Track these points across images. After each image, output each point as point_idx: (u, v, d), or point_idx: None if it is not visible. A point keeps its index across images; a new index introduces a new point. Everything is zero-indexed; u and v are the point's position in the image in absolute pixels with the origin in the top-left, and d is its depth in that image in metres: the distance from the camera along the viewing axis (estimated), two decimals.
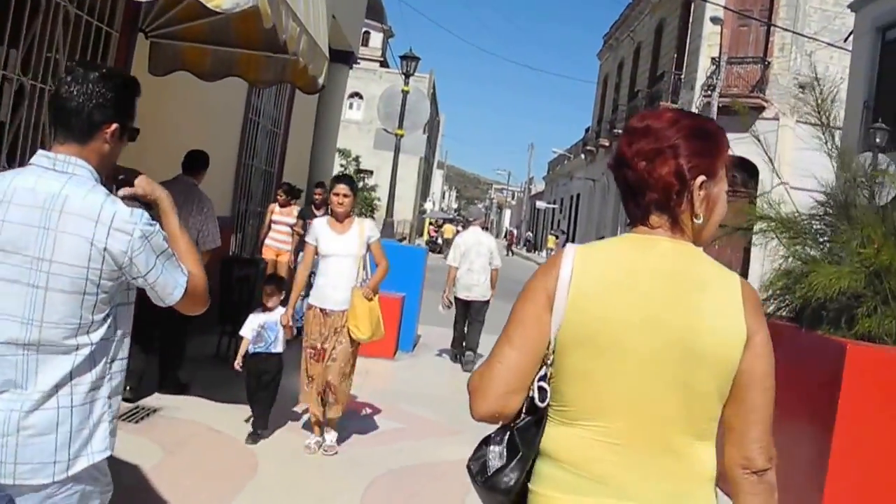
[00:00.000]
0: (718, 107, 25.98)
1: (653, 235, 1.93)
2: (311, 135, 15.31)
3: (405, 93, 10.98)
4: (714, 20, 25.79)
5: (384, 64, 61.74)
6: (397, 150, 10.98)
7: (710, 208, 1.95)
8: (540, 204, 64.68)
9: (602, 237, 29.54)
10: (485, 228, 10.94)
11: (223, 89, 8.75)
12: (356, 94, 56.79)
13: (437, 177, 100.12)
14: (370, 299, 6.29)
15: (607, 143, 41.81)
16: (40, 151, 2.35)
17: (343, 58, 18.79)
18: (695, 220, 1.92)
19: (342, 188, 6.33)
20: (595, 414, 1.85)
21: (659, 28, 35.82)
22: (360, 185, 43.56)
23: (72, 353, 2.28)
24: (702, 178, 1.91)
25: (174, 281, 2.38)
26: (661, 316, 1.82)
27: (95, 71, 2.37)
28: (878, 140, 11.04)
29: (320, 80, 6.85)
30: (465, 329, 10.99)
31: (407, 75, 11.17)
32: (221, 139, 10.16)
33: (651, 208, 1.92)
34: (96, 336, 2.32)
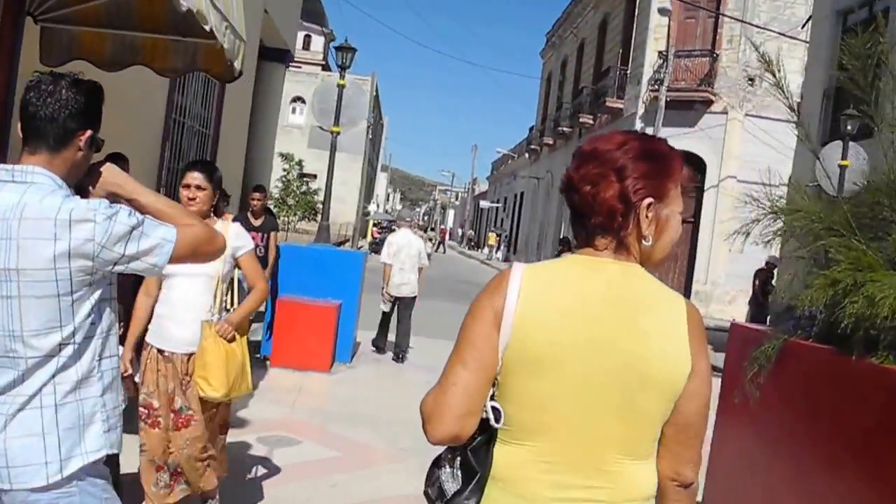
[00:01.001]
0: (666, 101, 25.58)
1: (600, 258, 1.91)
2: (245, 137, 14.33)
3: (341, 87, 10.03)
4: (662, 11, 25.22)
5: (326, 67, 61.13)
6: (333, 149, 10.04)
7: (659, 230, 1.91)
8: (483, 203, 65.32)
9: (545, 234, 28.46)
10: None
11: (141, 85, 7.80)
12: (298, 99, 56.28)
13: (382, 179, 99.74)
14: (229, 339, 4.32)
15: (551, 142, 41.69)
16: None
17: (279, 56, 17.87)
18: (643, 243, 1.89)
19: (195, 177, 4.38)
20: (534, 434, 1.86)
21: (603, 23, 35.49)
22: (304, 188, 42.65)
23: (55, 356, 2.29)
24: (649, 200, 1.87)
25: (158, 238, 2.32)
26: (607, 339, 1.82)
27: (63, 79, 2.35)
28: (848, 128, 10.32)
29: (237, 65, 5.88)
30: (395, 324, 11.35)
31: (342, 68, 10.15)
32: (141, 140, 9.15)
33: (596, 231, 1.91)
34: (80, 335, 2.31)
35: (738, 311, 25.28)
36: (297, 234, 40.42)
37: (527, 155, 49.90)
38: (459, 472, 1.94)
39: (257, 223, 9.57)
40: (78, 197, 2.32)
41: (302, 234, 40.08)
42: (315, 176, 54.32)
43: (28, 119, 2.32)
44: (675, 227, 1.95)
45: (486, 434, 1.91)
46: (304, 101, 56.40)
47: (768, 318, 16.86)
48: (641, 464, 1.89)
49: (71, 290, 2.26)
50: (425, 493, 2.02)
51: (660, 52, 27.35)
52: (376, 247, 44.86)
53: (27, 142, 2.34)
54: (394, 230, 13.83)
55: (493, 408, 1.89)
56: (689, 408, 1.88)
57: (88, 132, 2.38)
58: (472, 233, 70.24)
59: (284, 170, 42.47)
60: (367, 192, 64.01)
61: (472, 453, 1.92)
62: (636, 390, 1.82)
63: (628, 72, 30.12)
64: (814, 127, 15.81)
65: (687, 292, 26.12)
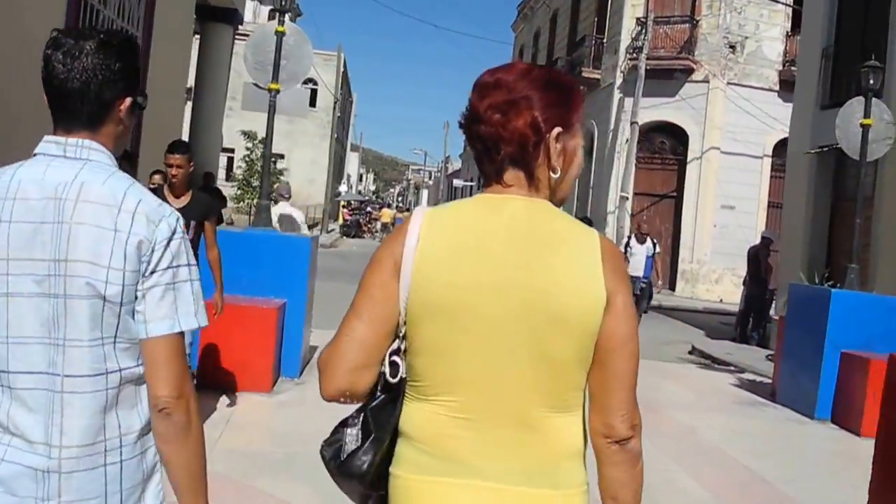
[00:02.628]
0: (646, 69, 24.34)
1: (505, 195, 1.83)
2: (181, 103, 12.92)
3: (279, 35, 8.59)
4: None
5: None
6: (272, 110, 8.62)
7: (567, 162, 1.87)
8: (457, 182, 64.70)
9: None
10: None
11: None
12: None
13: (354, 160, 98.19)
14: None
15: None
16: (47, 137, 1.96)
17: (225, 16, 16.54)
18: (552, 175, 1.83)
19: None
20: (447, 388, 1.77)
21: None
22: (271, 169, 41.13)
23: (102, 387, 1.86)
24: (558, 129, 1.82)
25: (170, 308, 1.87)
26: (513, 279, 1.73)
27: (91, 38, 1.92)
28: (871, 82, 8.96)
29: None
30: None
31: (281, 11, 8.60)
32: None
33: (506, 163, 1.83)
34: (129, 360, 1.88)
35: (725, 291, 24.26)
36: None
37: None
38: (360, 434, 1.84)
39: (178, 203, 6.38)
40: (144, 188, 1.98)
41: None
42: (283, 156, 53.13)
43: (54, 92, 1.93)
44: (579, 159, 1.91)
45: (391, 394, 1.82)
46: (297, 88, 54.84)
47: (773, 298, 15.80)
48: (567, 415, 1.78)
49: (121, 296, 1.85)
50: (321, 453, 1.89)
51: (638, 19, 26.13)
52: (347, 229, 43.82)
53: (58, 120, 1.97)
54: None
55: (392, 362, 1.80)
56: (606, 345, 1.75)
57: (128, 100, 2.01)
58: None
59: (248, 149, 41.04)
60: (338, 172, 62.70)
61: (371, 413, 1.83)
62: (546, 331, 1.72)
63: (604, 41, 28.90)
64: (811, 90, 14.53)
65: (673, 271, 25.06)
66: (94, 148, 1.96)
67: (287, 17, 9.27)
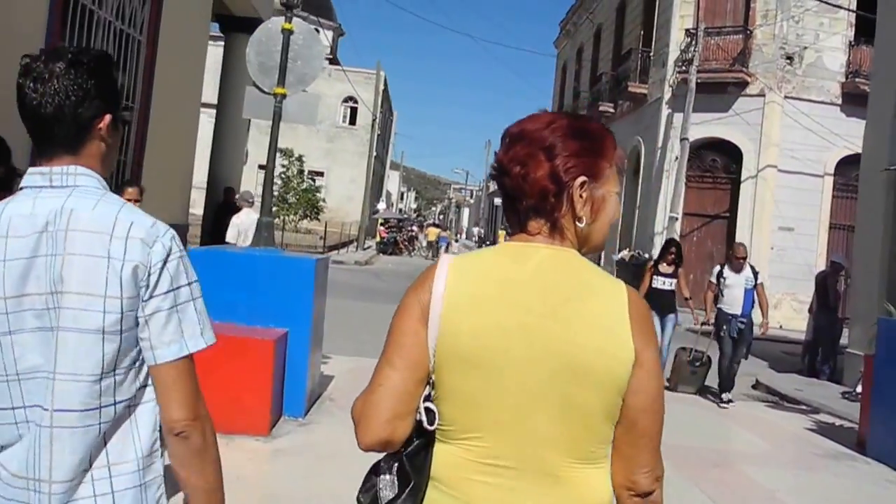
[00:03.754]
0: (697, 83, 23.04)
1: (531, 243, 1.84)
2: (195, 118, 11.88)
3: (287, 33, 7.46)
4: None
5: (334, 61, 59.24)
6: (276, 118, 7.52)
7: (595, 210, 1.84)
8: (497, 201, 63.15)
9: None
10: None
11: None
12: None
13: (395, 178, 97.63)
14: None
15: None
16: (31, 169, 1.93)
17: (250, 26, 15.43)
18: (577, 224, 1.83)
19: None
20: (473, 432, 1.75)
21: (621, 5, 32.99)
22: (305, 186, 40.43)
23: (95, 422, 1.81)
24: (582, 178, 1.81)
25: (175, 332, 1.85)
26: (538, 328, 1.73)
27: (60, 59, 1.88)
28: None
29: None
30: None
31: (289, 7, 7.46)
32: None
33: (529, 214, 1.84)
34: (125, 392, 1.85)
35: (784, 317, 22.77)
36: (299, 233, 38.17)
37: None
38: (397, 479, 1.82)
39: None
40: (136, 208, 1.90)
41: (305, 235, 37.80)
42: (322, 173, 52.55)
43: (30, 120, 1.88)
44: (612, 208, 1.87)
45: (425, 438, 1.81)
46: (304, 92, 54.43)
47: (842, 327, 14.40)
48: (593, 468, 1.77)
49: (120, 327, 1.80)
50: (357, 499, 1.88)
51: (687, 31, 24.87)
52: (384, 247, 42.84)
53: (39, 147, 1.92)
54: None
55: (427, 409, 1.79)
56: (636, 404, 1.74)
57: (108, 117, 1.93)
58: (480, 230, 70.00)
59: (283, 166, 40.31)
60: (377, 190, 62.00)
61: (408, 459, 1.80)
62: (572, 384, 1.70)
63: (651, 54, 27.68)
64: (887, 101, 13.13)
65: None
66: (81, 173, 1.90)
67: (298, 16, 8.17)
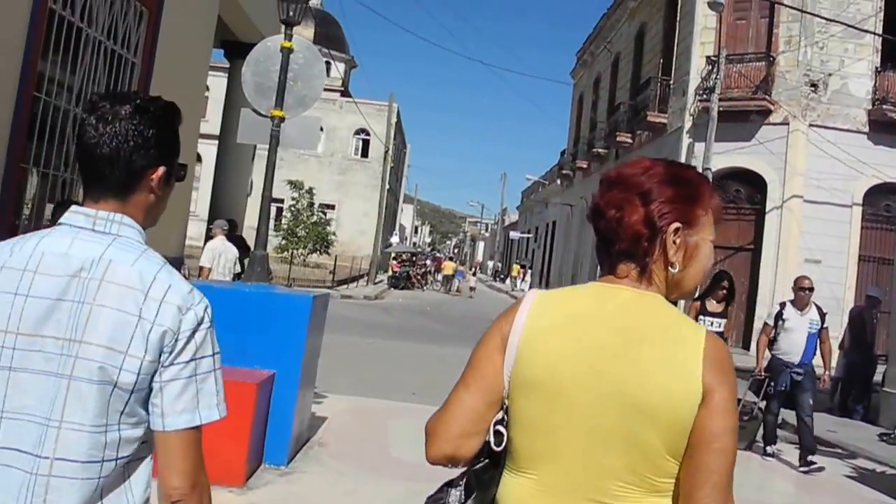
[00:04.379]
0: (719, 111, 22.25)
1: (617, 285, 1.87)
2: (191, 143, 11.21)
3: (286, 51, 6.78)
4: (713, 5, 21.78)
5: (346, 94, 59.03)
6: (274, 142, 6.82)
7: (688, 257, 1.88)
8: (513, 234, 63.47)
9: (580, 265, 25.40)
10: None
11: None
12: None
13: (408, 211, 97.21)
14: None
15: (585, 165, 39.02)
16: (74, 207, 1.91)
17: None
18: (669, 270, 1.86)
19: None
20: (537, 462, 1.82)
21: (640, 34, 32.44)
22: (315, 219, 39.82)
23: (95, 475, 1.78)
24: (676, 224, 1.84)
25: (191, 401, 1.81)
26: (608, 366, 1.77)
27: (126, 103, 1.90)
28: None
29: None
30: None
31: (289, 24, 6.78)
32: None
33: (620, 257, 1.87)
34: (127, 448, 1.81)
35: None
36: (308, 268, 37.51)
37: (558, 181, 47.62)
38: (462, 494, 1.91)
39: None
40: (175, 271, 1.90)
41: (314, 269, 37.14)
42: (333, 206, 52.00)
43: (85, 158, 1.89)
44: (705, 255, 1.91)
45: (493, 460, 1.88)
46: (321, 129, 54.13)
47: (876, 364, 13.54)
48: (656, 498, 1.76)
49: (133, 386, 1.77)
50: None
51: (708, 58, 24.09)
52: (395, 281, 42.08)
53: (88, 187, 1.92)
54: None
55: (496, 431, 1.85)
56: (698, 441, 1.73)
57: (161, 169, 1.93)
58: (500, 265, 68.30)
59: (293, 199, 39.76)
60: (390, 223, 61.43)
61: (474, 474, 1.89)
62: (637, 422, 1.73)
63: (671, 82, 26.92)
64: None
65: (748, 331, 22.65)
66: (126, 223, 1.89)
67: (296, 31, 7.44)
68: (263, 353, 6.62)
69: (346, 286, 34.64)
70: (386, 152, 41.34)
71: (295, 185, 39.95)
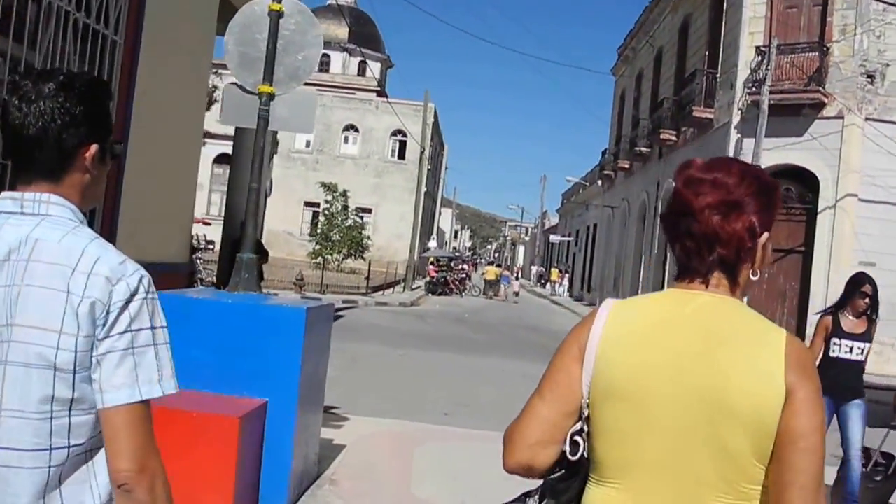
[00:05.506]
0: (769, 105, 21.03)
1: (693, 290, 1.89)
2: (197, 143, 10.26)
3: (275, 15, 5.76)
4: None
5: (382, 94, 58.34)
6: (262, 123, 5.83)
7: (765, 264, 1.94)
8: (553, 238, 62.11)
9: (623, 269, 24.13)
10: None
11: None
12: (351, 127, 53.82)
13: (447, 215, 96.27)
14: None
15: (627, 165, 37.71)
16: (3, 193, 1.88)
17: None
18: (751, 277, 1.91)
19: None
20: (624, 471, 1.83)
21: (684, 26, 31.21)
22: (350, 221, 38.97)
23: (44, 464, 1.72)
24: (767, 234, 1.90)
25: (128, 375, 1.74)
26: (690, 374, 1.78)
27: (50, 80, 1.84)
28: None
29: None
30: None
31: None
32: None
33: (716, 265, 1.88)
34: (81, 436, 1.76)
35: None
36: (343, 273, 36.61)
37: (599, 182, 46.35)
38: (537, 502, 1.93)
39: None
40: (109, 244, 1.83)
41: (348, 275, 36.24)
42: (370, 210, 51.21)
43: (11, 140, 1.84)
44: (769, 259, 1.96)
45: (571, 470, 1.90)
46: (357, 130, 53.53)
47: None
48: None
49: (74, 366, 1.72)
50: None
51: (757, 49, 22.79)
52: (433, 287, 40.98)
53: (17, 171, 1.88)
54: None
55: (573, 441, 1.87)
56: (784, 440, 1.72)
57: (94, 147, 1.88)
58: (543, 269, 67.20)
59: (327, 202, 38.96)
60: (428, 227, 60.50)
61: (550, 482, 1.91)
62: (721, 426, 1.73)
63: (718, 75, 25.69)
64: None
65: (800, 336, 21.28)
66: (54, 202, 1.84)
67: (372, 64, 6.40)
68: (252, 378, 5.63)
69: (381, 292, 33.64)
70: (422, 153, 40.31)
71: (329, 187, 39.15)
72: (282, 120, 6.28)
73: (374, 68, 61.95)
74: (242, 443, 5.15)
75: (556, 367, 1.91)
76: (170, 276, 8.19)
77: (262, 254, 13.75)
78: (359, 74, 61.46)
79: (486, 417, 10.09)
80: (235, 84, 6.26)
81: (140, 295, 1.78)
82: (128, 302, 1.75)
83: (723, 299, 1.85)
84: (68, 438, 1.73)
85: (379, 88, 58.31)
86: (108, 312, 1.73)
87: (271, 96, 6.13)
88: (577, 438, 1.86)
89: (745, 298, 2.04)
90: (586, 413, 1.86)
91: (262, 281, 14.84)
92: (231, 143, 12.27)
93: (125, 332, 1.74)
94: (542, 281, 63.71)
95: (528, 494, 1.96)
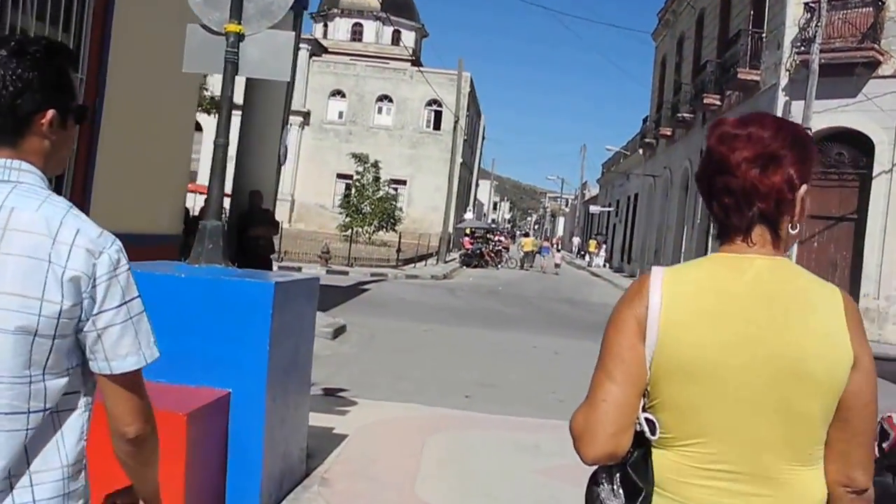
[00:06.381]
0: (819, 64, 19.84)
1: (746, 255, 1.86)
2: (191, 103, 9.40)
3: None
4: None
5: (416, 63, 57.32)
6: (231, 69, 4.92)
7: (804, 218, 1.91)
8: (594, 209, 61.08)
9: (664, 240, 22.86)
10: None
11: None
12: (385, 97, 53.09)
13: (485, 187, 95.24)
14: None
15: (669, 132, 36.37)
16: None
17: None
18: (791, 231, 1.90)
19: None
20: (692, 438, 1.81)
21: None
22: (381, 193, 38.11)
23: (21, 427, 1.76)
24: (805, 186, 1.88)
25: (132, 344, 1.84)
26: (759, 339, 1.77)
27: (2, 47, 1.83)
28: None
29: None
30: None
31: None
32: None
33: (756, 219, 1.86)
34: (54, 399, 1.80)
35: None
36: (374, 246, 35.80)
37: (640, 151, 45.02)
38: (621, 490, 1.86)
39: None
40: (83, 214, 1.84)
41: (379, 247, 35.42)
42: (404, 182, 50.37)
43: None
44: (808, 212, 1.93)
45: (643, 448, 1.86)
46: (391, 101, 52.66)
47: None
48: (809, 470, 1.81)
49: (54, 333, 1.75)
50: None
51: (806, 5, 21.57)
52: (468, 259, 40.00)
53: None
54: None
55: (648, 420, 1.84)
56: (852, 405, 1.78)
57: (51, 113, 1.84)
58: (579, 241, 66.14)
59: (357, 172, 38.11)
60: (464, 198, 59.58)
61: (632, 468, 1.85)
62: (794, 391, 1.75)
63: (764, 35, 24.44)
64: None
65: None
66: (25, 169, 1.85)
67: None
68: (213, 365, 4.79)
69: (412, 265, 32.76)
70: (456, 122, 39.24)
71: (359, 158, 38.29)
72: (253, 64, 5.33)
73: (407, 37, 60.86)
74: (193, 444, 4.31)
75: (619, 345, 1.84)
76: (157, 249, 7.35)
77: (273, 225, 12.98)
78: (393, 44, 60.30)
79: (511, 400, 9.23)
80: (200, 25, 5.33)
81: (123, 265, 1.82)
82: (114, 274, 1.79)
83: (777, 262, 1.84)
84: (44, 402, 1.75)
85: (413, 58, 57.21)
86: (94, 286, 1.76)
87: (240, 36, 5.22)
88: (650, 416, 1.82)
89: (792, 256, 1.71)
90: (647, 388, 1.83)
91: (273, 254, 14.12)
92: None
93: (121, 304, 1.79)
94: (581, 252, 62.64)
95: (595, 482, 1.90)
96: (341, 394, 8.65)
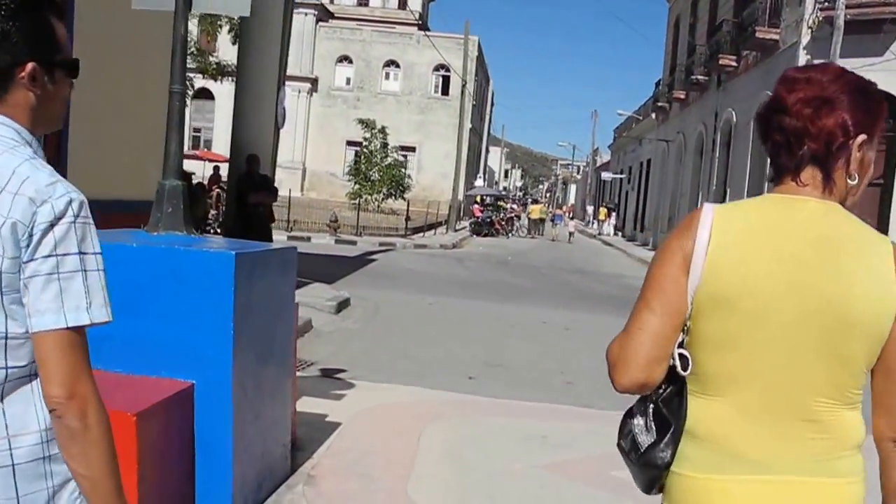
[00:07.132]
0: (845, 20, 19.02)
1: (800, 196, 1.85)
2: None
3: None
4: None
5: (423, 27, 56.31)
6: (183, 5, 4.25)
7: (864, 170, 1.88)
8: (605, 175, 60.42)
9: (678, 207, 21.87)
10: None
11: None
12: (392, 63, 52.32)
13: (496, 154, 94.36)
14: None
15: (683, 95, 35.47)
16: None
17: None
18: (849, 181, 1.86)
19: None
20: (733, 384, 1.81)
21: None
22: (389, 159, 37.38)
23: None
24: (863, 136, 1.85)
25: (53, 300, 1.68)
26: (808, 281, 1.77)
27: None
28: None
29: None
30: None
31: None
32: None
33: (806, 160, 1.85)
34: (20, 357, 1.73)
35: None
36: (383, 214, 35.10)
37: (653, 115, 43.95)
38: (653, 424, 1.89)
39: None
40: (46, 165, 1.76)
41: (388, 216, 34.73)
42: (413, 149, 49.62)
43: None
44: (871, 172, 1.92)
45: (677, 385, 1.88)
46: (398, 66, 51.85)
47: None
48: (849, 410, 1.80)
49: (1, 288, 1.68)
50: (618, 444, 1.98)
51: None
52: (478, 227, 39.22)
53: None
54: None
55: (681, 355, 1.86)
56: None
57: (31, 65, 1.77)
58: (592, 209, 65.33)
59: (365, 139, 37.38)
60: (474, 165, 58.81)
61: (664, 404, 1.88)
62: (838, 334, 1.75)
63: None
64: None
65: None
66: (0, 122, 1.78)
67: None
68: (175, 352, 4.14)
69: (421, 234, 32.06)
70: (463, 86, 38.39)
71: (367, 124, 37.53)
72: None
73: (414, 2, 59.80)
74: (148, 449, 3.66)
75: (662, 277, 1.84)
76: (142, 216, 6.78)
77: (271, 191, 12.31)
78: (399, 8, 59.24)
79: (519, 381, 8.56)
80: None
81: (67, 218, 1.69)
82: (52, 224, 1.68)
83: (830, 206, 1.83)
84: (6, 360, 1.69)
85: (420, 22, 56.22)
86: (30, 235, 1.67)
87: None
88: (684, 352, 1.83)
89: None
90: (687, 325, 1.83)
91: (273, 223, 13.47)
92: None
93: (49, 256, 1.68)
94: (592, 221, 61.92)
95: (630, 415, 1.93)
96: (339, 375, 8.05)
